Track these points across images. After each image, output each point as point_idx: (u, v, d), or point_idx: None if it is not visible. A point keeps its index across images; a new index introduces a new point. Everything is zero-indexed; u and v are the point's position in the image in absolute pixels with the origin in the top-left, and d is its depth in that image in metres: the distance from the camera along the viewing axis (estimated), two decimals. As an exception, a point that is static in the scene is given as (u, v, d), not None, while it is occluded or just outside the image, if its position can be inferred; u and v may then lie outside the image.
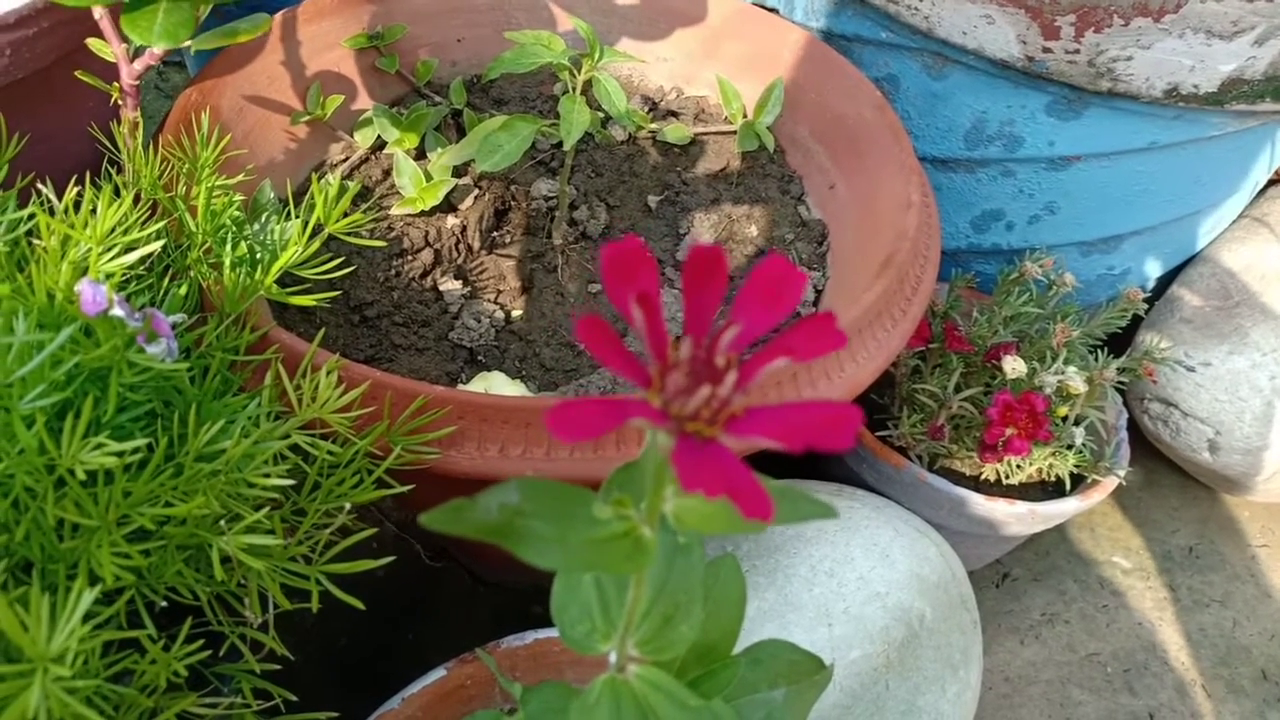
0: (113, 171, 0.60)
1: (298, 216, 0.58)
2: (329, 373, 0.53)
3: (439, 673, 0.61)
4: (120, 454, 0.41)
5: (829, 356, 0.64)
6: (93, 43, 0.65)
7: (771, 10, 0.95)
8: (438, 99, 0.89)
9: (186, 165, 0.62)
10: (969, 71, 0.89)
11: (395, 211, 0.80)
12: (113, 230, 0.49)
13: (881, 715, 0.70)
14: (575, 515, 0.29)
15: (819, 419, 0.23)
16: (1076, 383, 0.80)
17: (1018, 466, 0.87)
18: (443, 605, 0.92)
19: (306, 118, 0.81)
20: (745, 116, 0.89)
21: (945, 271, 0.96)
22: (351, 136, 0.85)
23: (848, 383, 0.64)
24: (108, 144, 0.64)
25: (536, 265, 0.80)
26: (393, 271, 0.77)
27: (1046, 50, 0.82)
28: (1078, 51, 0.81)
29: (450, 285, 0.77)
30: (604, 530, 0.29)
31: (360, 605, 0.48)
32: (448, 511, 0.27)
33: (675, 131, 0.88)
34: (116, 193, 0.52)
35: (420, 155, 0.85)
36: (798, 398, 0.63)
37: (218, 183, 0.60)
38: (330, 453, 0.52)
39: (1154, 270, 1.07)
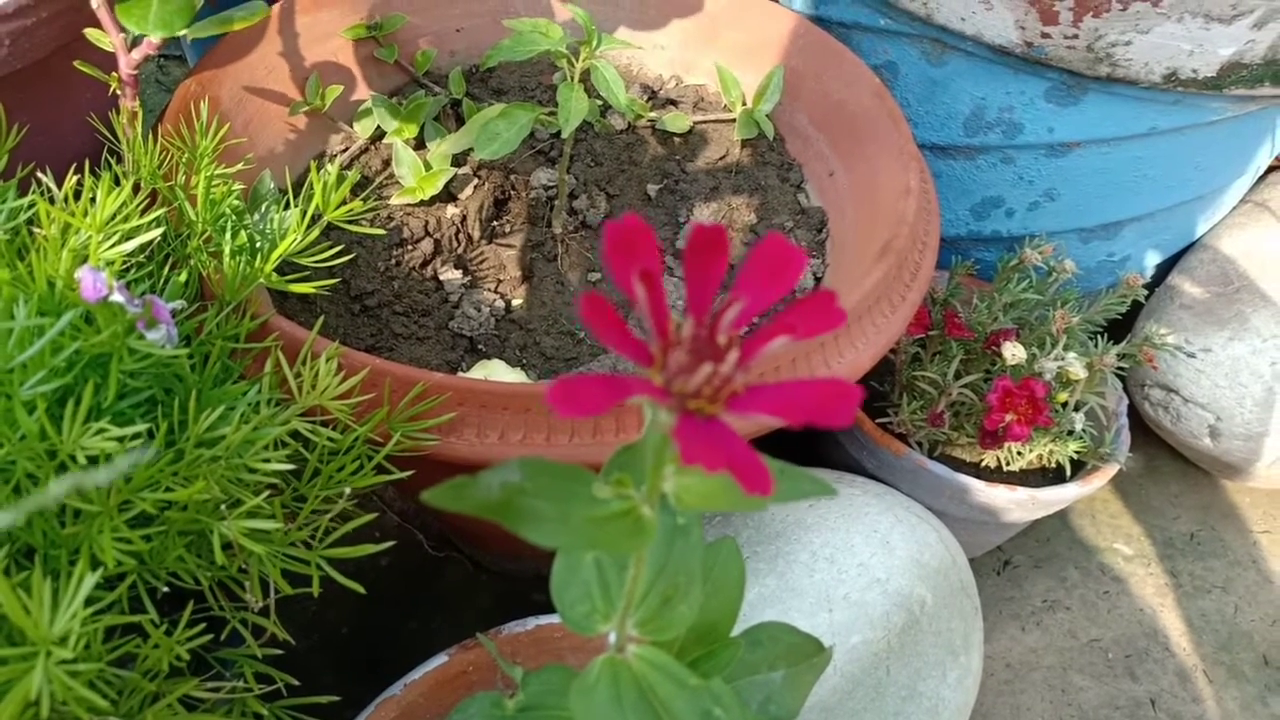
0: (112, 161, 0.60)
1: (297, 206, 0.58)
2: (328, 360, 0.53)
3: (441, 659, 0.61)
4: (121, 439, 0.41)
5: (829, 342, 0.64)
6: (91, 33, 0.65)
7: (770, -2, 0.95)
8: (437, 89, 0.88)
9: (186, 155, 0.62)
10: (968, 58, 0.89)
11: (395, 201, 0.80)
12: (112, 218, 0.49)
13: (882, 700, 0.70)
14: (576, 494, 0.30)
15: (819, 395, 0.23)
16: (1076, 368, 0.80)
17: (1018, 453, 0.87)
18: (445, 593, 0.92)
19: (306, 108, 0.81)
20: (744, 104, 0.89)
21: (945, 259, 0.96)
22: (351, 127, 0.85)
23: (847, 367, 0.64)
24: (107, 134, 0.64)
25: (536, 254, 0.80)
26: (393, 261, 0.77)
27: (1045, 36, 0.82)
28: (1076, 36, 0.81)
29: (450, 274, 0.77)
30: (604, 509, 0.29)
31: (361, 590, 0.48)
32: (449, 489, 0.27)
33: (674, 120, 0.88)
34: (117, 182, 0.52)
35: (420, 145, 0.85)
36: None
37: (217, 172, 0.60)
38: (330, 439, 0.52)
39: (1154, 257, 1.07)
